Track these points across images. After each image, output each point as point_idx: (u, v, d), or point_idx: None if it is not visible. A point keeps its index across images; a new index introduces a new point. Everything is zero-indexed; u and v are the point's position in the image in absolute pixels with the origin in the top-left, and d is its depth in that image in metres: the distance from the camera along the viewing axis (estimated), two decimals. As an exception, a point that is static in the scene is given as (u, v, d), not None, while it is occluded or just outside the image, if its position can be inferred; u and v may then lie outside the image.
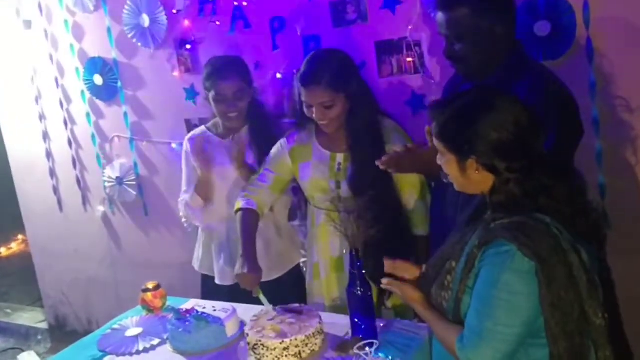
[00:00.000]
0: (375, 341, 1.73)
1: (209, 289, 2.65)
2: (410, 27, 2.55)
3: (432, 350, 1.68)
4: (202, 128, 2.68)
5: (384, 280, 1.68)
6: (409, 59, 2.59)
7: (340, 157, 2.25)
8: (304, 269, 2.68)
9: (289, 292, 2.48)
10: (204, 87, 2.56)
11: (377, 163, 1.99)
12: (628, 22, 2.21)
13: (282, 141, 2.39)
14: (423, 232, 2.26)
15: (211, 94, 2.50)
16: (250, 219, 2.31)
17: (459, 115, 1.47)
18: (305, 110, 2.21)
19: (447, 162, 1.51)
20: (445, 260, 1.53)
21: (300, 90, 2.19)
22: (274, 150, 2.40)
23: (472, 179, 1.48)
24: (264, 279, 2.19)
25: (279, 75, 2.87)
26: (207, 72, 2.53)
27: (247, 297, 2.19)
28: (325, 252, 2.32)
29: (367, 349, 1.71)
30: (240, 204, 2.33)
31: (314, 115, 2.18)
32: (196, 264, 2.73)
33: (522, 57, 1.95)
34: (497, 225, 1.42)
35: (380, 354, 1.76)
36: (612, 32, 2.23)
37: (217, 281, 2.61)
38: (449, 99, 1.57)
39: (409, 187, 2.24)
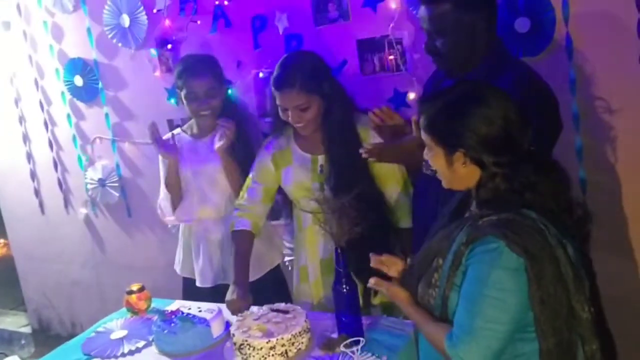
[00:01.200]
0: (361, 339, 1.73)
1: (190, 292, 2.63)
2: (391, 25, 2.56)
3: (419, 347, 1.69)
4: (178, 129, 2.68)
5: (371, 280, 1.67)
6: (391, 57, 2.60)
7: (321, 158, 2.24)
8: (290, 268, 2.67)
9: (270, 293, 2.47)
10: (175, 85, 2.54)
11: (361, 151, 1.99)
12: (607, 18, 2.24)
13: (262, 150, 2.37)
14: (407, 225, 2.26)
15: (183, 92, 2.48)
16: (243, 241, 2.30)
17: (448, 108, 1.47)
18: (280, 113, 2.20)
19: (434, 156, 1.51)
20: (432, 257, 1.52)
21: (275, 94, 2.18)
22: (256, 161, 2.37)
23: (458, 173, 1.48)
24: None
25: (261, 74, 2.87)
26: (178, 70, 2.52)
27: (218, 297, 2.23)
28: (314, 255, 2.31)
29: (353, 346, 1.72)
30: (233, 225, 2.33)
31: (289, 119, 2.18)
32: (178, 267, 2.71)
33: (502, 54, 1.96)
34: (485, 222, 1.42)
35: (366, 352, 1.76)
36: (591, 29, 2.25)
37: (197, 283, 2.59)
38: (439, 92, 1.57)
39: (392, 181, 2.25)
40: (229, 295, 2.13)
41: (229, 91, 2.61)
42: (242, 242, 2.30)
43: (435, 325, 1.50)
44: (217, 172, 2.51)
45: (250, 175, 2.36)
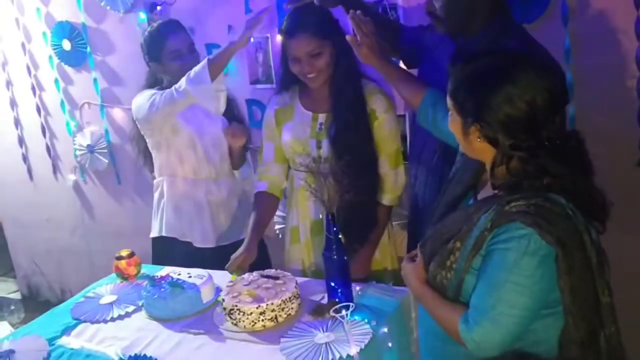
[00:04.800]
0: (351, 304, 1.74)
1: (162, 254, 2.62)
2: (386, -10, 2.52)
3: (419, 324, 1.70)
4: None
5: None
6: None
7: (322, 117, 2.24)
8: (280, 236, 2.67)
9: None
10: (150, 58, 2.54)
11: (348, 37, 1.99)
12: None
13: (266, 110, 2.39)
14: (387, 202, 2.26)
15: (165, 52, 2.48)
16: (258, 202, 2.35)
17: (474, 79, 1.40)
18: (291, 66, 2.18)
19: (453, 121, 1.47)
20: (446, 239, 1.47)
21: (286, 45, 2.17)
22: (263, 121, 2.40)
23: (473, 145, 1.43)
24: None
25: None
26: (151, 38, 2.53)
27: (201, 261, 2.30)
28: (305, 215, 2.31)
29: (343, 311, 1.72)
30: (255, 187, 2.38)
31: (302, 70, 2.16)
32: (161, 229, 2.64)
33: (507, 21, 1.93)
34: (513, 208, 1.35)
35: (355, 317, 1.77)
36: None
37: (197, 244, 2.59)
38: (472, 57, 1.46)
39: (384, 155, 2.24)
40: (236, 253, 2.18)
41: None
42: (257, 203, 2.34)
43: (448, 306, 1.46)
44: (220, 133, 2.56)
45: (262, 136, 2.39)
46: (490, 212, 1.39)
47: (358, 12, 1.99)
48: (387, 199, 2.26)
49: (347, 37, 2.00)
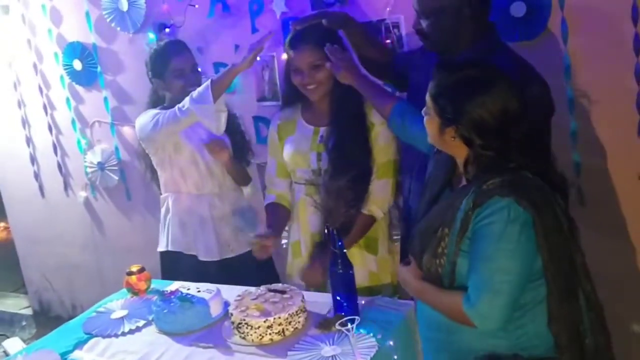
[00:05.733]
0: (356, 317, 1.76)
1: (170, 267, 2.68)
2: (388, 9, 2.57)
3: (417, 317, 1.78)
4: None
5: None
6: (388, 41, 2.61)
7: (323, 130, 2.29)
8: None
9: (254, 269, 2.52)
10: (154, 74, 2.62)
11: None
12: (602, 3, 2.25)
13: (270, 125, 2.46)
14: (366, 211, 2.25)
15: (169, 70, 2.55)
16: (271, 211, 2.43)
17: (456, 88, 1.56)
18: (293, 78, 2.25)
19: (430, 119, 1.62)
20: (435, 228, 1.59)
21: (289, 57, 2.25)
22: (268, 137, 2.48)
23: (446, 142, 1.60)
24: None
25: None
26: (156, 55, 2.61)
27: (207, 274, 2.37)
28: (305, 229, 2.35)
29: (348, 325, 1.75)
30: (265, 200, 2.49)
31: (303, 81, 2.22)
32: (167, 244, 2.69)
33: (493, 41, 1.99)
34: (490, 185, 1.50)
35: (361, 330, 1.80)
36: (586, 14, 2.26)
37: (201, 258, 2.63)
38: (455, 65, 1.64)
39: (374, 164, 2.26)
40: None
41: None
42: (268, 213, 2.44)
43: (448, 293, 1.57)
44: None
45: (267, 152, 2.48)
46: (470, 194, 1.53)
47: (335, 46, 2.16)
48: (367, 208, 2.25)
49: (327, 65, 2.15)
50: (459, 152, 1.60)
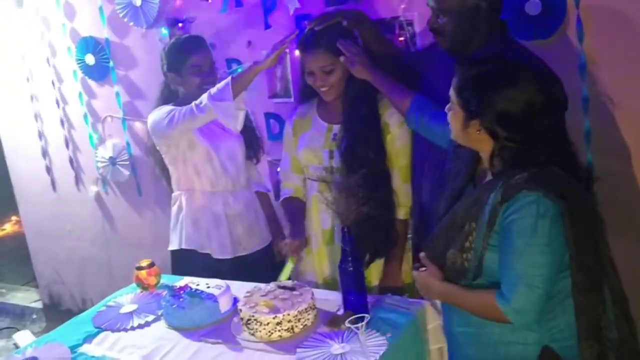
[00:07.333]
0: (366, 315, 1.76)
1: (182, 266, 2.66)
2: (402, 7, 2.55)
3: (443, 319, 1.80)
4: None
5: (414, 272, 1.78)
6: (401, 38, 2.59)
7: (336, 127, 2.29)
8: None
9: (262, 267, 2.54)
10: (170, 68, 2.58)
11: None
12: (618, 1, 2.22)
13: (287, 121, 2.48)
14: (403, 216, 2.28)
15: (187, 65, 2.52)
16: (288, 205, 2.46)
17: (480, 80, 1.57)
18: (306, 78, 2.25)
19: (454, 114, 1.63)
20: (461, 224, 1.60)
21: (302, 58, 2.25)
22: (284, 132, 2.49)
23: (471, 136, 1.61)
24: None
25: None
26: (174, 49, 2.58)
27: (220, 272, 2.35)
28: (317, 224, 2.35)
29: (358, 323, 1.74)
30: (281, 195, 2.50)
31: (315, 83, 2.22)
32: (181, 241, 2.67)
33: (505, 39, 1.98)
34: (518, 179, 1.51)
35: (371, 328, 1.79)
36: (602, 13, 2.24)
37: (216, 256, 2.61)
38: (478, 59, 1.66)
39: (396, 169, 2.26)
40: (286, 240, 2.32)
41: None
42: (288, 206, 2.46)
43: (477, 292, 1.58)
44: (235, 146, 2.62)
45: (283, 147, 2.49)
46: (498, 188, 1.53)
47: (349, 40, 2.18)
48: (402, 212, 2.28)
49: (341, 59, 2.14)
50: (484, 146, 1.61)
